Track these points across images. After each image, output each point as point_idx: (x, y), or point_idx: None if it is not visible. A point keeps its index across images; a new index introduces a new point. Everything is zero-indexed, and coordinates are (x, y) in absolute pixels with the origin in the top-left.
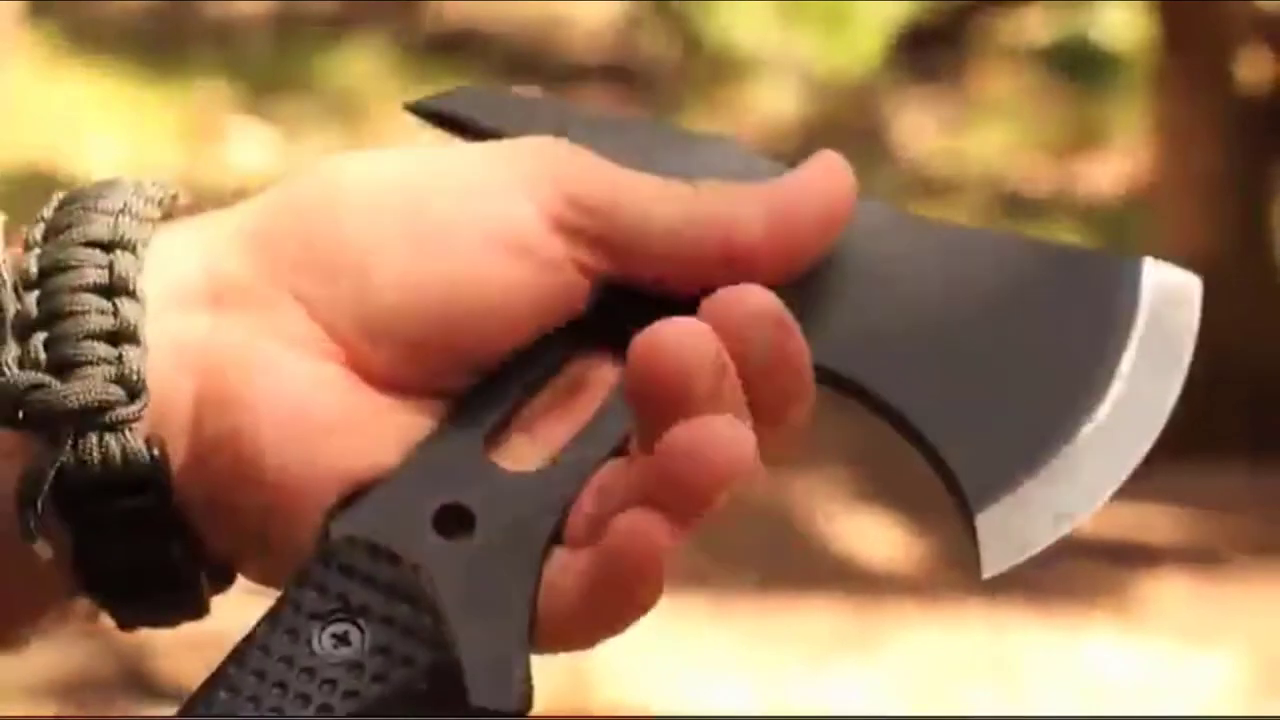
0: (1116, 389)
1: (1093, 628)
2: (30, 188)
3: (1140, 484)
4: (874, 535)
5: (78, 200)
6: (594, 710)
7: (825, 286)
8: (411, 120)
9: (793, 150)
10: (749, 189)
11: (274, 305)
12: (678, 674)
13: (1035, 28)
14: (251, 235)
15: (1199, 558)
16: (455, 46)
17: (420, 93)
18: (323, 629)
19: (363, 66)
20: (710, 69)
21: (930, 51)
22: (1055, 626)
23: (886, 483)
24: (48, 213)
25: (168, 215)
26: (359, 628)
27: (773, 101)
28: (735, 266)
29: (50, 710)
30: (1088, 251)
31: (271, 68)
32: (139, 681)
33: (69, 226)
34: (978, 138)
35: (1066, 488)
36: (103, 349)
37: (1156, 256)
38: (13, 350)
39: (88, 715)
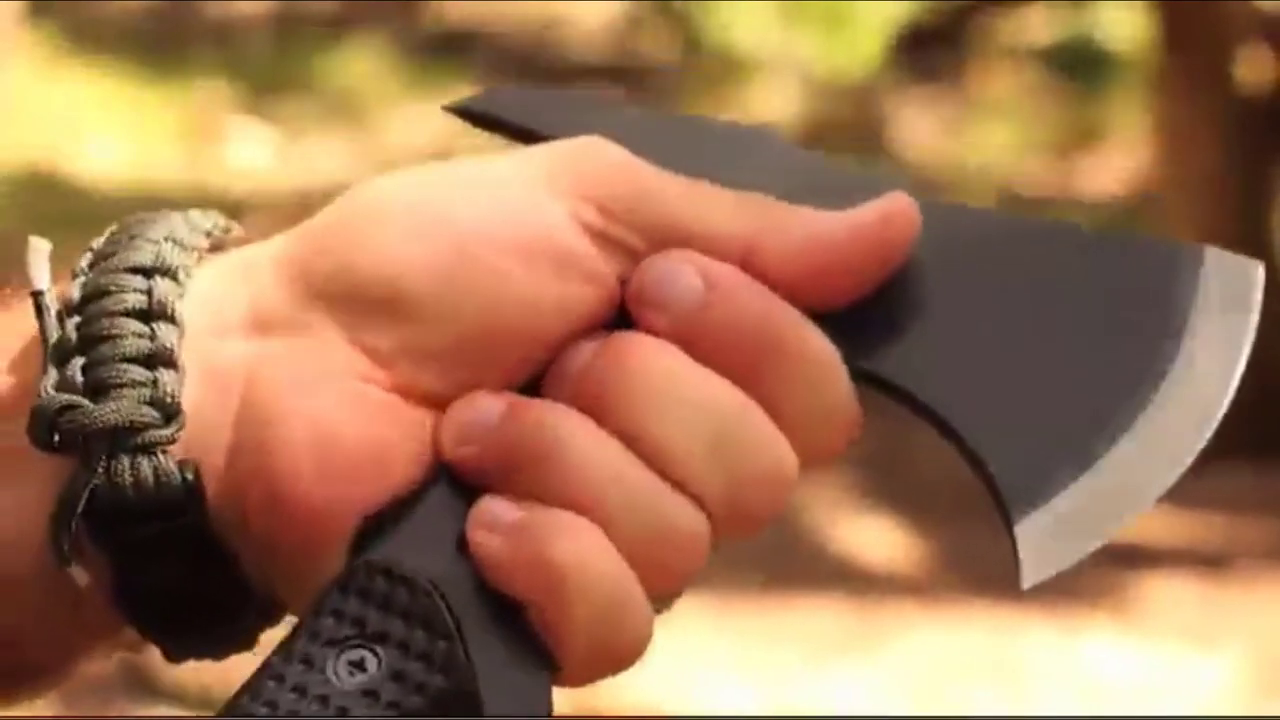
0: (1166, 389)
1: (1093, 628)
2: (30, 188)
3: None
4: (875, 536)
5: (126, 229)
6: (600, 711)
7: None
8: (412, 119)
9: None
10: (791, 211)
11: (313, 331)
12: (680, 674)
13: (1035, 28)
14: (290, 263)
15: (1200, 559)
16: (455, 46)
17: (420, 93)
18: (339, 656)
19: (363, 66)
20: (710, 69)
21: (930, 51)
22: (1055, 626)
23: (888, 484)
24: (97, 243)
25: (217, 247)
26: (375, 654)
27: (773, 101)
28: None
29: (50, 710)
30: (1145, 240)
31: (271, 68)
32: (138, 681)
33: (113, 254)
34: (978, 138)
35: (1110, 492)
36: (138, 372)
37: None
38: (52, 376)
39: (88, 715)
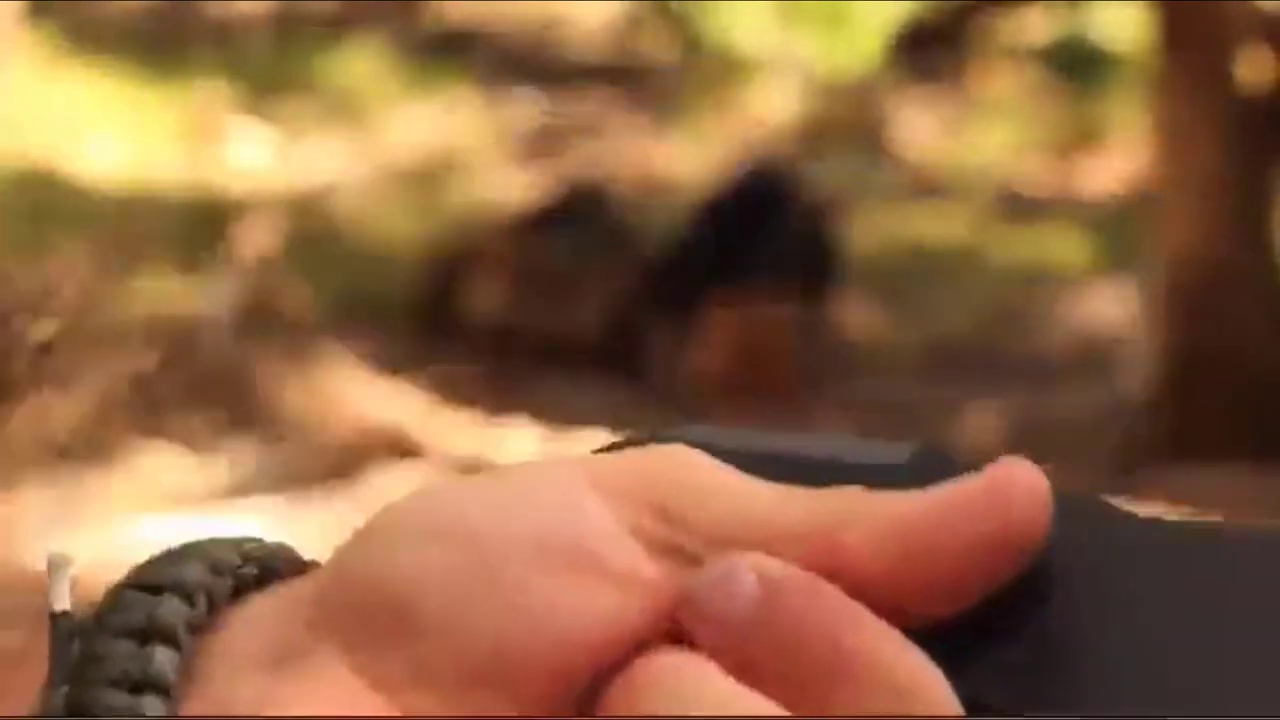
0: None
1: None
2: (30, 188)
3: (1141, 484)
4: None
5: (179, 546)
6: None
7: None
8: (412, 119)
9: (792, 150)
10: (880, 497)
11: (317, 662)
12: None
13: (1035, 28)
14: (311, 591)
15: None
16: (455, 46)
17: (420, 93)
18: None
19: (363, 66)
20: (710, 69)
21: (930, 51)
22: None
23: None
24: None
25: (263, 579)
26: None
27: (773, 101)
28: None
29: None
30: None
31: (271, 68)
32: None
33: (144, 569)
34: (978, 138)
35: None
36: (120, 698)
37: (1157, 257)
38: (41, 702)
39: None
